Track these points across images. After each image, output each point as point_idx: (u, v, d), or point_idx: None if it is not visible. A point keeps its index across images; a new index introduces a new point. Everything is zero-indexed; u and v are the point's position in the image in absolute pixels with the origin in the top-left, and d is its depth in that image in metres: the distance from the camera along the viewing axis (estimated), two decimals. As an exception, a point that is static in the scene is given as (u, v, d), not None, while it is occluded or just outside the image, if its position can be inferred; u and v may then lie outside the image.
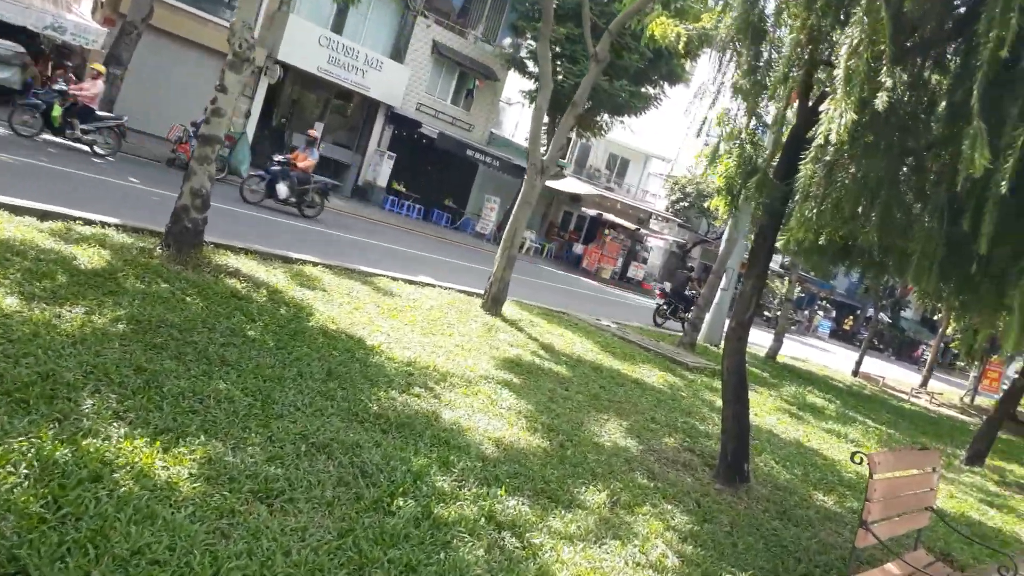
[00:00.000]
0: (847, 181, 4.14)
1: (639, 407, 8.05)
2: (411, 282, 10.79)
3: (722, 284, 16.68)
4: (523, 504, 4.50)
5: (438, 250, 18.90)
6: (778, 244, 5.98)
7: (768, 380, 14.05)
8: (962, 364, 33.32)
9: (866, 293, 27.87)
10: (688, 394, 9.87)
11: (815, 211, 4.32)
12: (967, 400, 25.97)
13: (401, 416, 5.23)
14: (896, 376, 28.29)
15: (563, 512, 4.61)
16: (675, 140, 41.14)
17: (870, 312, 54.45)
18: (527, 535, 4.12)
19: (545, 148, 14.34)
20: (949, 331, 26.36)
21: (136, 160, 16.84)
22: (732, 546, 5.03)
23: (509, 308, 11.35)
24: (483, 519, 4.12)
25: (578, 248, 34.32)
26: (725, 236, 16.20)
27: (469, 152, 28.24)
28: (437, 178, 29.39)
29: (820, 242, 4.47)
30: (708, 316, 16.70)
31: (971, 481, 10.46)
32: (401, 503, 3.97)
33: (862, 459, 3.49)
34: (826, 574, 5.07)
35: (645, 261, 38.06)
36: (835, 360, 26.93)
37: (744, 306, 6.29)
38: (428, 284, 11.06)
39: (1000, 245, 3.59)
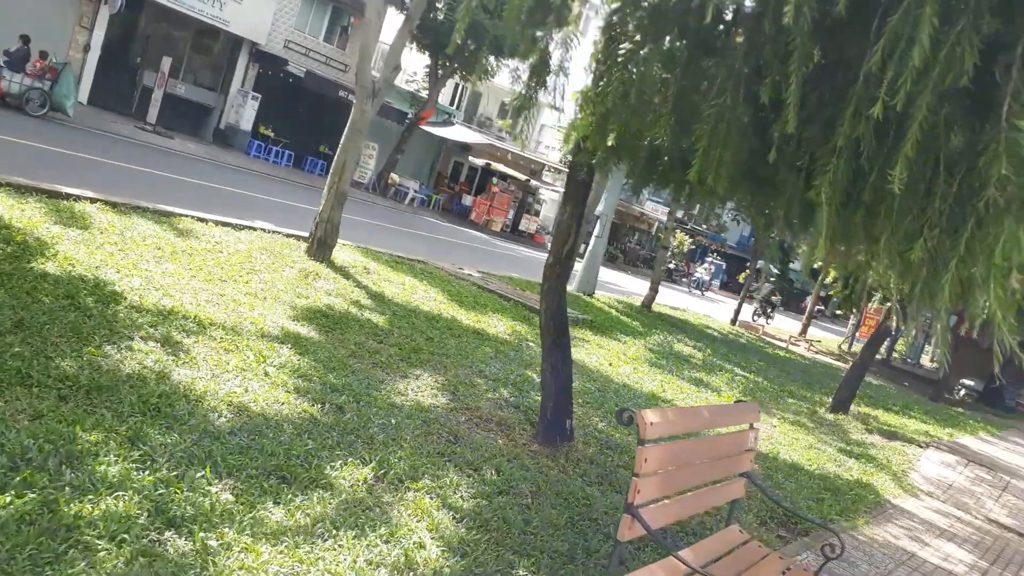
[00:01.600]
0: (637, 57, 3.18)
1: (469, 360, 7.06)
2: (227, 224, 9.41)
3: (595, 231, 15.91)
4: (228, 491, 3.39)
5: (303, 199, 17.34)
6: (561, 141, 5.02)
7: (636, 329, 13.39)
8: (840, 313, 34.20)
9: (757, 246, 28.06)
10: (537, 344, 8.96)
11: (597, 96, 3.36)
12: (845, 347, 26.51)
13: (103, 379, 4.01)
14: (777, 325, 28.65)
15: (293, 497, 3.54)
16: (569, 89, 40.23)
17: (759, 264, 56.03)
18: (208, 533, 3.02)
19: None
20: (828, 280, 26.82)
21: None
22: (524, 524, 4.09)
23: (346, 254, 10.13)
24: (146, 514, 2.99)
25: (468, 200, 33.10)
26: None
27: (343, 94, 26.43)
28: (310, 123, 27.40)
29: (609, 143, 3.51)
30: (581, 265, 15.93)
31: (834, 430, 10.06)
32: (9, 499, 2.79)
33: (631, 417, 2.56)
34: (640, 552, 4.23)
35: (538, 214, 37.23)
36: (720, 310, 26.93)
37: (561, 240, 5.32)
38: (248, 227, 9.69)
39: (810, 125, 2.72)
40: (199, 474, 3.41)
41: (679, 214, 51.48)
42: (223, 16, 23.40)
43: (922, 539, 6.45)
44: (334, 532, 3.35)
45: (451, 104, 36.22)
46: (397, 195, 28.23)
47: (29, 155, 11.33)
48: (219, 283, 6.76)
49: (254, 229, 9.70)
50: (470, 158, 34.17)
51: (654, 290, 17.13)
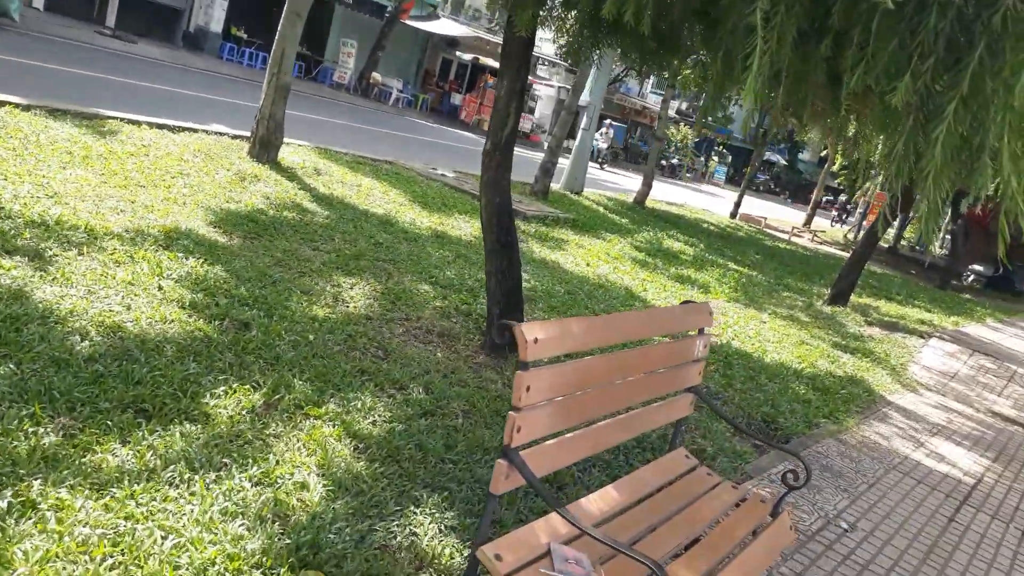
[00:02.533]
0: None
1: (420, 266, 6.39)
2: (163, 126, 8.59)
3: (582, 124, 14.93)
4: (59, 432, 2.78)
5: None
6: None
7: (625, 226, 12.65)
8: (844, 199, 33.16)
9: (764, 137, 26.74)
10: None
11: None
12: (851, 236, 25.71)
13: (-68, 302, 3.36)
14: (782, 217, 27.79)
15: (148, 434, 2.93)
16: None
17: (766, 156, 54.27)
18: (27, 485, 2.42)
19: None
20: (836, 167, 25.73)
21: None
22: (445, 450, 3.51)
23: (297, 155, 9.33)
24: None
25: (457, 99, 31.72)
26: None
27: (319, -11, 24.76)
28: (286, 22, 25.81)
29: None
30: (569, 161, 15.05)
31: (830, 324, 9.45)
32: None
33: (510, 334, 1.88)
34: (585, 476, 3.66)
35: (533, 111, 35.78)
36: (722, 204, 26.01)
37: (499, 121, 4.52)
38: (189, 128, 8.87)
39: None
40: (25, 412, 2.80)
41: (683, 106, 49.71)
42: (182, -95, 21.69)
43: (918, 438, 5.91)
44: (189, 476, 2.76)
45: (436, -4, 34.21)
46: (381, 96, 26.94)
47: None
48: (133, 188, 6.04)
49: (194, 131, 8.88)
50: (458, 53, 32.54)
51: (647, 185, 16.27)
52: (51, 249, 4.35)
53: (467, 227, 8.52)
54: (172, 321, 3.97)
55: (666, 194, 23.42)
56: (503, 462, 1.89)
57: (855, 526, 4.08)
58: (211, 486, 2.74)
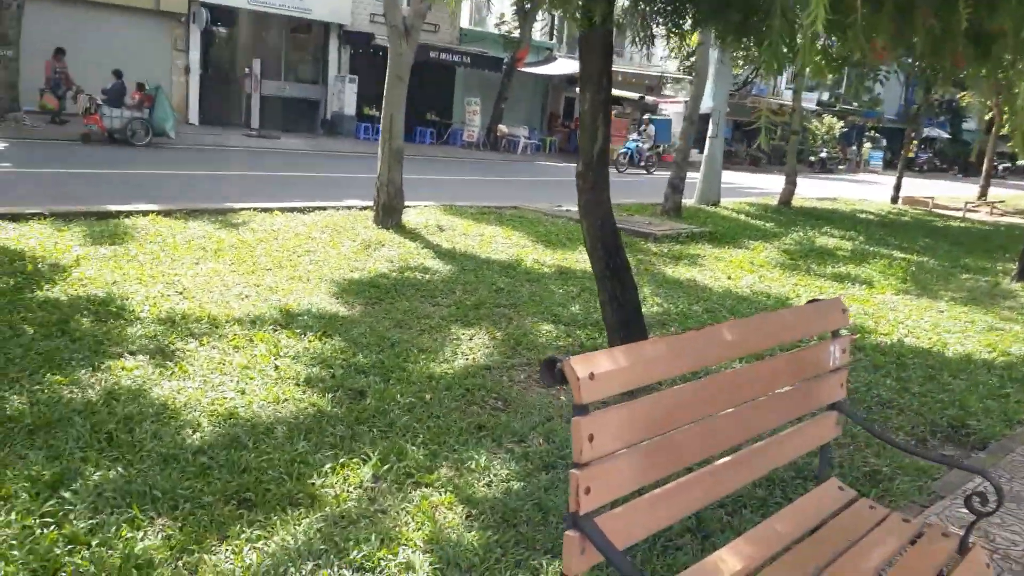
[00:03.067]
0: None
1: (543, 306, 6.14)
2: (293, 209, 8.96)
3: (709, 132, 14.26)
4: (158, 534, 2.72)
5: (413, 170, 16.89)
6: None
7: (770, 231, 11.82)
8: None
9: (919, 112, 24.62)
10: (634, 271, 7.85)
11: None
12: (1038, 202, 22.92)
13: (56, 412, 3.48)
14: (953, 194, 25.26)
15: (246, 527, 2.82)
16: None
17: (926, 132, 50.04)
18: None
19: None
20: (1006, 128, 23.14)
21: (48, 143, 15.15)
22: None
23: (420, 216, 9.43)
24: (25, 589, 2.37)
25: (584, 134, 31.54)
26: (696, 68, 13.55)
27: (435, 54, 25.72)
28: (411, 93, 26.95)
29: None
30: (699, 174, 14.40)
31: (1022, 301, 8.24)
32: None
33: (560, 373, 1.54)
34: (699, 538, 3.20)
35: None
36: (881, 192, 24.03)
37: (588, 138, 4.21)
38: (318, 208, 9.20)
39: None
40: (125, 516, 2.77)
41: (825, 96, 46.97)
42: (303, 6, 23.32)
43: None
44: (288, 569, 2.60)
45: (549, 38, 34.63)
46: (509, 146, 27.33)
47: (122, 182, 11.48)
48: (260, 273, 6.23)
49: (324, 209, 9.20)
50: (576, 90, 32.53)
51: (791, 183, 15.24)
52: (174, 344, 4.48)
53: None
54: (285, 400, 3.93)
55: (817, 190, 21.98)
56: (574, 534, 1.55)
57: (1087, 547, 3.31)
58: (307, 577, 2.57)
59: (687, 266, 8.44)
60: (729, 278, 8.07)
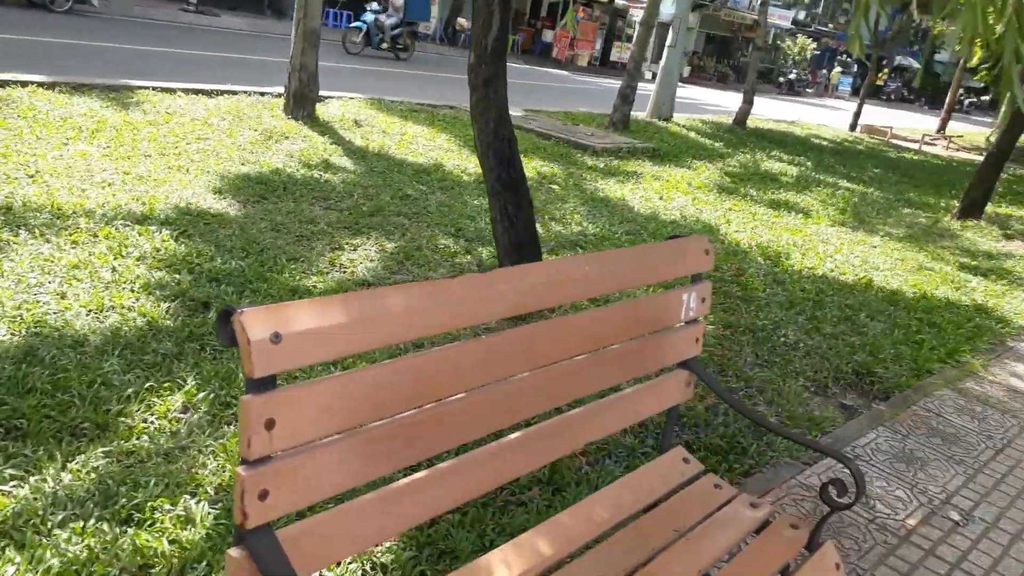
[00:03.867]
0: None
1: (449, 218, 5.64)
2: (200, 91, 8.17)
3: (668, 40, 13.53)
4: None
5: (352, 59, 15.85)
6: None
7: (717, 151, 11.35)
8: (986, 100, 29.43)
9: (890, 38, 23.88)
10: (562, 185, 7.37)
11: None
12: (993, 140, 22.75)
13: None
14: (913, 125, 24.96)
15: (6, 460, 2.38)
16: None
17: (898, 61, 49.27)
18: None
19: None
20: (974, 61, 22.68)
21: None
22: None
23: (340, 108, 8.72)
24: None
25: (549, 36, 30.32)
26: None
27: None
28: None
29: None
30: (655, 85, 13.74)
31: (957, 242, 8.00)
32: None
33: (230, 331, 1.12)
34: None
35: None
36: (843, 118, 23.60)
37: (482, 26, 3.64)
38: (228, 91, 8.42)
39: None
40: None
41: (801, 15, 45.79)
42: None
43: (1071, 384, 4.67)
44: (32, 520, 2.17)
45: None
46: (468, 42, 26.02)
47: (21, 51, 10.43)
48: (136, 160, 5.59)
49: (234, 93, 8.43)
50: (545, -12, 30.97)
51: (747, 102, 14.67)
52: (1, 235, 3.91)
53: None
54: (111, 309, 3.43)
55: (778, 112, 21.46)
56: (238, 554, 1.13)
57: (972, 517, 3.07)
58: (56, 533, 2.14)
59: (620, 183, 7.96)
60: (661, 199, 7.64)
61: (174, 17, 18.45)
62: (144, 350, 3.15)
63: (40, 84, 7.05)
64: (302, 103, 7.65)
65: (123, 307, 3.46)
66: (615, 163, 8.96)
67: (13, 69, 7.49)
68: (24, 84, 6.94)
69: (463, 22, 25.99)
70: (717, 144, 11.97)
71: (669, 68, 13.44)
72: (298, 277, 4.13)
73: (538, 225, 5.71)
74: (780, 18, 40.46)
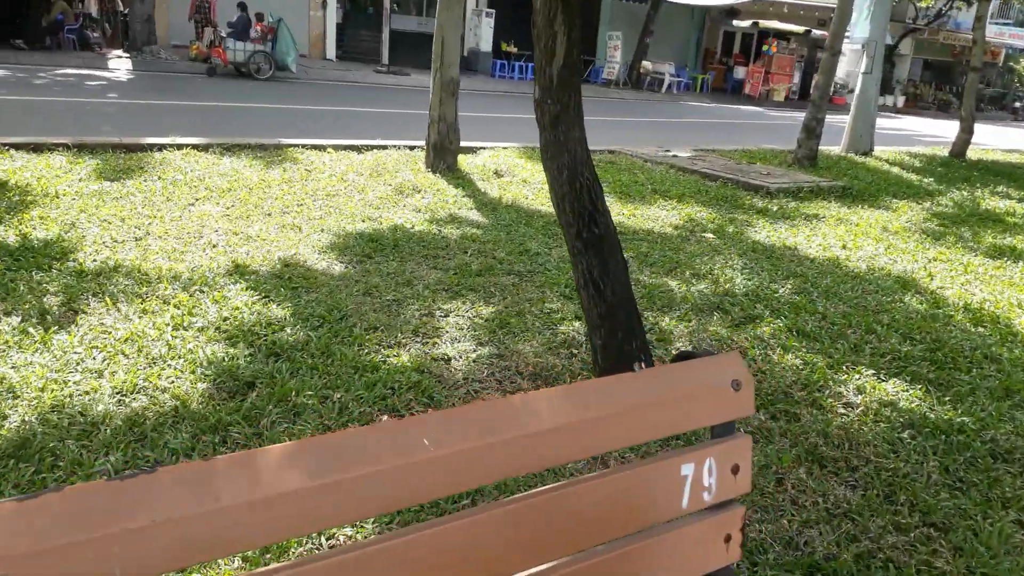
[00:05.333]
0: None
1: (565, 276, 4.94)
2: (351, 147, 8.16)
3: (862, 66, 12.02)
4: None
5: (524, 108, 15.80)
6: None
7: (926, 188, 9.71)
8: None
9: None
10: (718, 234, 6.41)
11: None
12: None
13: None
14: None
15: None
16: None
17: None
18: None
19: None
20: None
21: (174, 75, 15.39)
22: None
23: (489, 158, 8.34)
24: None
25: (740, 73, 28.88)
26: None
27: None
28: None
29: None
30: (850, 116, 12.25)
31: None
32: None
33: None
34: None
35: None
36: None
37: (544, 52, 2.93)
38: (375, 146, 8.35)
39: None
40: None
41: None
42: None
43: None
44: None
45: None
46: (652, 85, 25.35)
47: (220, 116, 11.21)
48: (254, 219, 5.46)
49: (384, 148, 8.34)
50: (735, 23, 29.64)
51: (966, 131, 12.67)
52: (72, 302, 3.76)
53: (672, 216, 6.82)
54: (141, 390, 3.08)
55: (1010, 141, 18.64)
56: None
57: None
58: None
59: (794, 229, 6.85)
60: (844, 247, 6.43)
61: (366, 78, 19.47)
62: (156, 443, 2.74)
63: (195, 146, 7.29)
64: (442, 155, 7.35)
65: (156, 388, 3.10)
66: (792, 205, 7.81)
67: (214, 134, 7.87)
68: (180, 147, 7.20)
69: (647, 65, 25.38)
70: (927, 180, 10.29)
71: (865, 96, 11.91)
72: (369, 352, 3.61)
73: (676, 282, 4.87)
74: (1013, 37, 35.95)
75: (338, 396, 3.20)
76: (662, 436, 1.11)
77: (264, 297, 4.10)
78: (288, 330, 3.74)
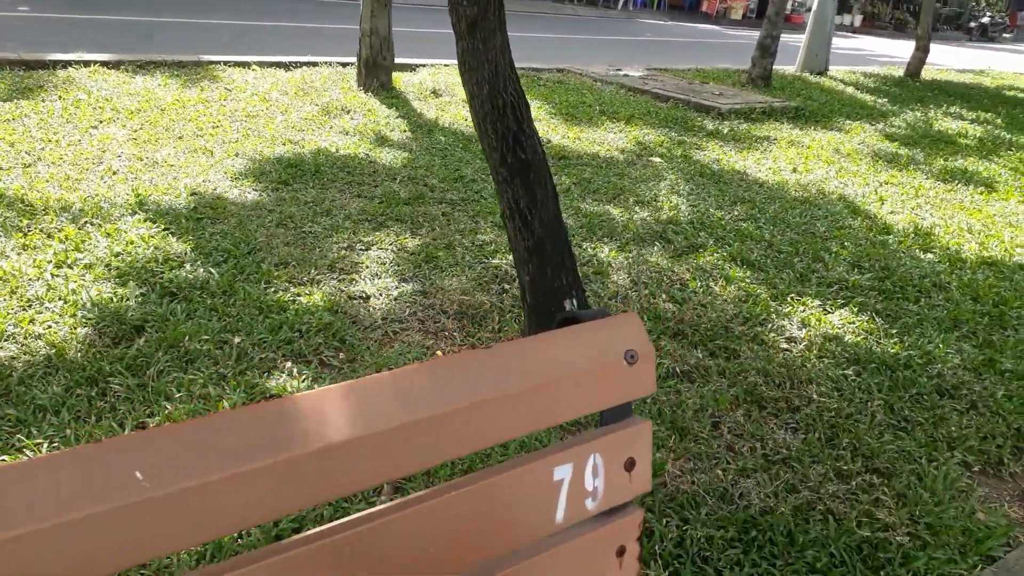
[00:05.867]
0: None
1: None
2: (278, 64, 7.58)
3: (821, -19, 11.60)
4: None
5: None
6: None
7: (879, 109, 9.51)
8: None
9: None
10: (666, 157, 6.12)
11: None
12: None
13: None
14: None
15: None
16: None
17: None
18: None
19: None
20: None
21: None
22: None
23: (428, 77, 7.85)
24: None
25: (699, -11, 28.06)
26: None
27: None
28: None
29: None
30: (805, 35, 11.90)
31: None
32: None
33: None
34: None
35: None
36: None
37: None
38: (305, 63, 7.78)
39: None
40: None
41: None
42: None
43: None
44: None
45: None
46: (609, 1, 24.52)
47: (147, 30, 10.33)
48: (162, 143, 4.99)
49: (315, 65, 7.77)
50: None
51: (922, 50, 12.43)
52: (-62, 240, 3.34)
53: (619, 139, 6.49)
54: (10, 337, 2.73)
55: (966, 61, 18.51)
56: None
57: None
58: None
59: (744, 152, 6.59)
60: (795, 170, 6.21)
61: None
62: (21, 399, 2.41)
63: (105, 63, 6.68)
64: (375, 72, 6.85)
65: (29, 335, 2.75)
66: (743, 127, 7.53)
67: (127, 50, 7.21)
68: (87, 64, 6.58)
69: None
70: (881, 101, 10.08)
71: (821, 14, 11.54)
72: (276, 290, 3.29)
73: (618, 210, 4.59)
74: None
75: (238, 340, 2.89)
76: (528, 432, 0.84)
77: (164, 230, 3.71)
78: (188, 267, 3.38)
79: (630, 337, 0.89)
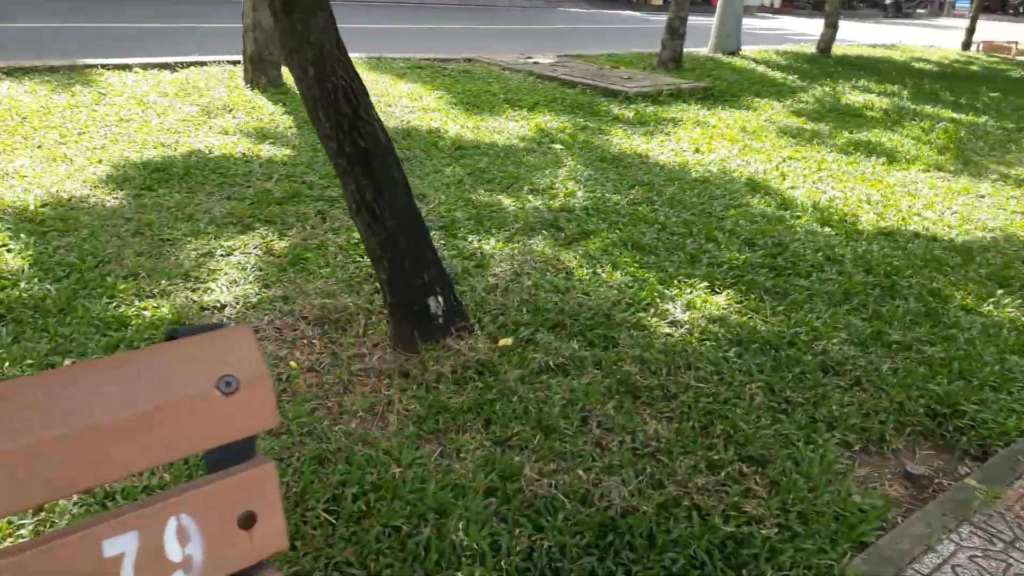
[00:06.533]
0: None
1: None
2: (164, 66, 7.19)
3: (728, -38, 11.61)
4: None
5: (384, 17, 14.69)
6: None
7: (789, 86, 9.54)
8: None
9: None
10: (567, 144, 5.96)
11: None
12: None
13: None
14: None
15: None
16: None
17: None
18: None
19: None
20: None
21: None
22: None
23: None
24: None
25: (621, -24, 28.08)
26: None
27: None
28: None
29: None
30: (716, 14, 11.91)
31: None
32: None
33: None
34: None
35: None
36: (958, 37, 20.62)
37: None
38: (192, 63, 7.40)
39: None
40: None
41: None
42: None
43: None
44: None
45: None
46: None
47: (30, 36, 9.75)
48: (18, 151, 4.61)
49: (203, 64, 7.39)
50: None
51: (831, 26, 12.59)
52: None
53: (521, 127, 6.31)
54: None
55: (878, 37, 18.89)
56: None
57: None
58: None
59: (648, 135, 6.48)
60: (698, 151, 6.12)
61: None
62: None
63: (-33, 71, 6.22)
64: (262, 68, 6.53)
65: None
66: (650, 110, 7.42)
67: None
68: (-53, 72, 6.11)
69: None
70: (791, 78, 10.12)
71: (734, -7, 11.56)
72: (120, 305, 3.00)
73: (511, 200, 4.40)
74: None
75: (68, 363, 2.61)
76: (98, 485, 0.62)
77: (2, 246, 3.39)
78: (23, 284, 3.07)
79: (232, 359, 0.69)
